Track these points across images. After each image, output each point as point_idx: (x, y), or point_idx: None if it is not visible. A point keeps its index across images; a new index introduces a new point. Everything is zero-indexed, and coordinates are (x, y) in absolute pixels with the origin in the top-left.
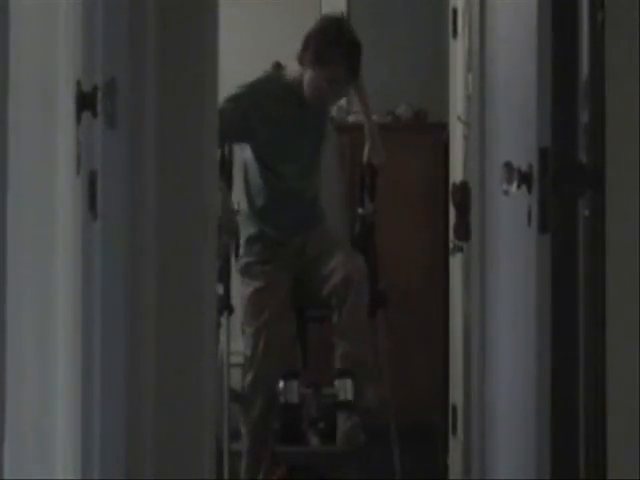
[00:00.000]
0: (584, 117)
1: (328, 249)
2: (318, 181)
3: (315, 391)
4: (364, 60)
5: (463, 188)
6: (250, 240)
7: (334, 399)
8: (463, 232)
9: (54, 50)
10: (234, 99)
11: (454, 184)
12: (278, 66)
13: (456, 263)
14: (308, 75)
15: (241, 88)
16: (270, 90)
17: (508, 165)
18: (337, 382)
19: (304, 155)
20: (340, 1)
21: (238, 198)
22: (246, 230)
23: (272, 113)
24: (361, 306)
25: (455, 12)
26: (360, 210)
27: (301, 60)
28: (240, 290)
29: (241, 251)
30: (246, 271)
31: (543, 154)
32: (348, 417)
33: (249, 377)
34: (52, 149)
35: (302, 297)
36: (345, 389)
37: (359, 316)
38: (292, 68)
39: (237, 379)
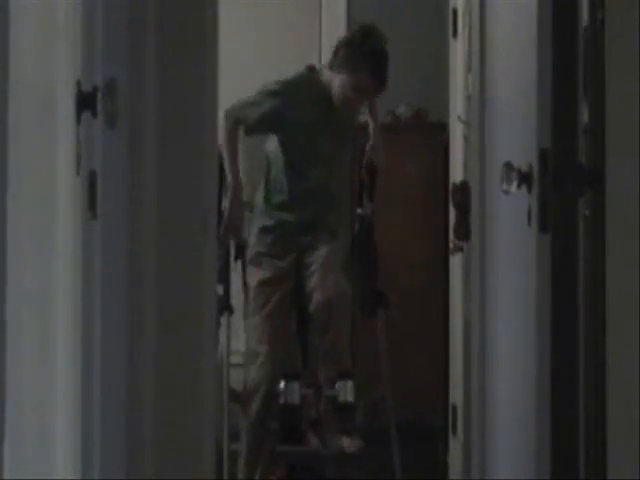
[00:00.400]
0: (584, 117)
1: (323, 264)
2: (337, 186)
3: (316, 392)
4: None
5: (463, 188)
6: (264, 230)
7: (334, 400)
8: (463, 232)
9: (54, 50)
10: (272, 94)
11: (454, 184)
12: (312, 69)
13: (456, 263)
14: (337, 81)
15: (279, 85)
16: (307, 91)
17: (508, 165)
18: (338, 384)
19: (328, 159)
20: (340, 1)
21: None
22: (260, 220)
23: (306, 113)
24: (344, 331)
25: (455, 12)
26: (359, 210)
27: (331, 66)
28: (247, 280)
29: (252, 240)
30: (255, 261)
31: (543, 154)
32: (349, 419)
33: (253, 370)
34: (52, 149)
35: (302, 298)
36: (346, 391)
37: (342, 342)
38: (325, 72)
39: (237, 379)
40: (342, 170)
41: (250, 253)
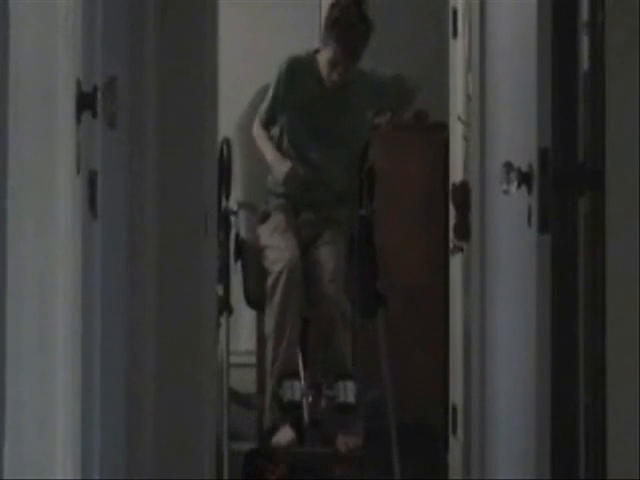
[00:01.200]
0: (584, 117)
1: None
2: (339, 175)
3: (316, 392)
4: (363, 60)
5: (463, 188)
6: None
7: (335, 401)
8: (463, 232)
9: (54, 50)
10: (275, 81)
11: (454, 184)
12: (317, 50)
13: (456, 263)
14: (321, 60)
15: (282, 66)
16: (305, 72)
17: (508, 165)
18: (338, 384)
19: (329, 140)
20: None
21: (237, 195)
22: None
23: (304, 93)
24: (345, 343)
25: (455, 12)
26: (360, 210)
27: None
28: (260, 237)
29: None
30: (266, 216)
31: (543, 154)
32: (349, 420)
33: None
34: (52, 149)
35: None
36: (346, 391)
37: (342, 353)
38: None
39: (237, 379)
40: (345, 154)
41: (260, 212)
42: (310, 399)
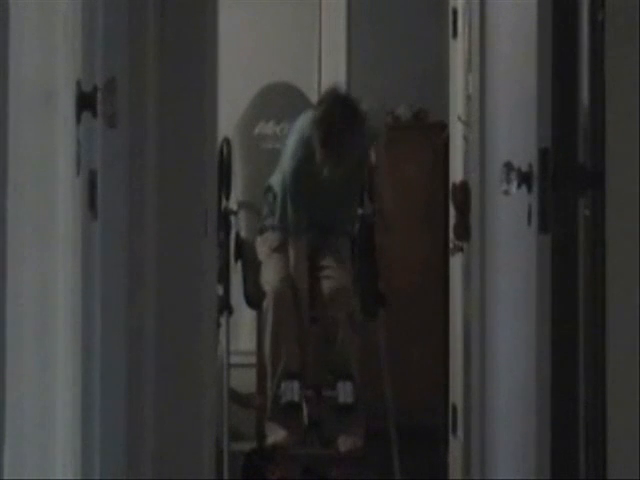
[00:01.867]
0: (584, 117)
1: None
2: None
3: (316, 393)
4: (364, 60)
5: (463, 188)
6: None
7: (334, 402)
8: (463, 232)
9: (54, 50)
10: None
11: (454, 184)
12: None
13: (456, 263)
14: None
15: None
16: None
17: (508, 165)
18: (338, 385)
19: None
20: (340, 1)
21: (237, 195)
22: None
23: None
24: (349, 342)
25: (455, 12)
26: (360, 210)
27: None
28: (257, 249)
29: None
30: (263, 231)
31: (543, 154)
32: (349, 420)
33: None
34: (52, 149)
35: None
36: (346, 392)
37: (345, 353)
38: None
39: (237, 379)
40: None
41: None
42: (309, 399)
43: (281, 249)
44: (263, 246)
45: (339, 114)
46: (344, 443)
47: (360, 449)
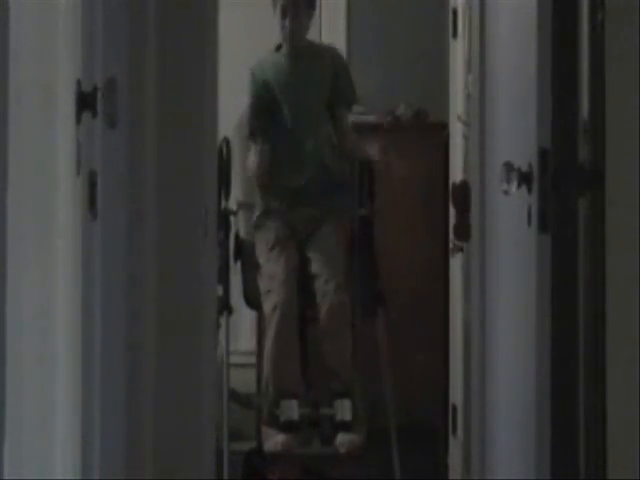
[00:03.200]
0: (584, 117)
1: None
2: (325, 140)
3: (314, 410)
4: (364, 61)
5: (463, 188)
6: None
7: (332, 419)
8: (463, 232)
9: (54, 50)
10: (250, 88)
11: (454, 184)
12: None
13: (456, 263)
14: (277, 25)
15: (251, 73)
16: (271, 63)
17: (508, 165)
18: (336, 402)
19: (307, 104)
20: (340, 1)
21: (237, 195)
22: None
23: (277, 80)
24: (346, 344)
25: (455, 12)
26: (359, 210)
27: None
28: (256, 248)
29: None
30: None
31: (543, 154)
32: (347, 438)
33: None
34: (52, 149)
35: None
36: (343, 409)
37: (342, 362)
38: None
39: (237, 379)
40: (314, 120)
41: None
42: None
43: (278, 245)
44: (261, 244)
45: None
46: (343, 443)
47: (360, 448)
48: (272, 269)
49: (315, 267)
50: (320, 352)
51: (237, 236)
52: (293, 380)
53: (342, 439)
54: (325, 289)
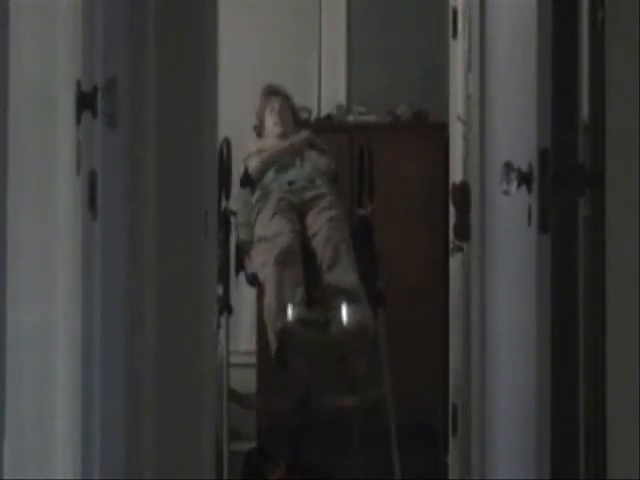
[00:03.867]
0: (584, 117)
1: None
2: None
3: (321, 315)
4: (364, 60)
5: (463, 188)
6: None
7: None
8: (463, 232)
9: (54, 50)
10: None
11: (454, 184)
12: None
13: (456, 263)
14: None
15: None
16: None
17: (508, 165)
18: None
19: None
20: (340, 2)
21: (235, 194)
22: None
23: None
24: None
25: (455, 12)
26: (359, 210)
27: (259, 133)
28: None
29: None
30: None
31: (543, 154)
32: (354, 308)
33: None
34: (52, 149)
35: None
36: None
37: (347, 267)
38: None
39: (237, 379)
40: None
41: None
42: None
43: (278, 212)
44: (261, 219)
45: None
46: (343, 401)
47: (365, 324)
48: (274, 230)
49: (314, 227)
50: (323, 283)
51: (237, 237)
52: (297, 295)
53: (349, 310)
54: (324, 231)
